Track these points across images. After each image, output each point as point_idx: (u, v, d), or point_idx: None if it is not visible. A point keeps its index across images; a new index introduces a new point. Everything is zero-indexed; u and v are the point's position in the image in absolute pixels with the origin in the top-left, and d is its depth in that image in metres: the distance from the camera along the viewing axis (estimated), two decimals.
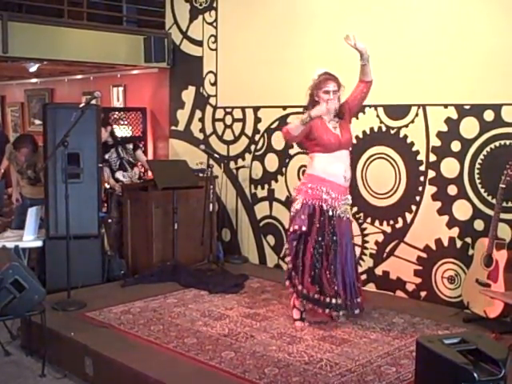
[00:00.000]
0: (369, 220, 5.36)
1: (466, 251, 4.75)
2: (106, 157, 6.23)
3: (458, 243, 4.83)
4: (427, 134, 4.98)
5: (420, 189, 5.05)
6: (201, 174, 6.12)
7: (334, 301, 4.23)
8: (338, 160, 4.27)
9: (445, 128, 4.88)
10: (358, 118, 5.35)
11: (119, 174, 6.25)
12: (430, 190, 4.99)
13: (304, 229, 4.23)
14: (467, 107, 4.74)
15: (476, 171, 4.71)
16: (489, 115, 4.62)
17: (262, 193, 6.34)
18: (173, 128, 7.21)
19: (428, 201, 5.00)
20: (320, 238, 4.24)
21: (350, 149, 4.40)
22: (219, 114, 6.68)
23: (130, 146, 6.45)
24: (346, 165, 4.30)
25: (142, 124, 7.82)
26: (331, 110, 4.21)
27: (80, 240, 5.21)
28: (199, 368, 3.67)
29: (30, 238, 5.60)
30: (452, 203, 4.84)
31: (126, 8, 8.23)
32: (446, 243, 4.90)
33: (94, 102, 5.21)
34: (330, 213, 4.25)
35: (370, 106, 5.28)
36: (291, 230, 4.31)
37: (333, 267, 4.25)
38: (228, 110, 6.59)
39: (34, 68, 8.14)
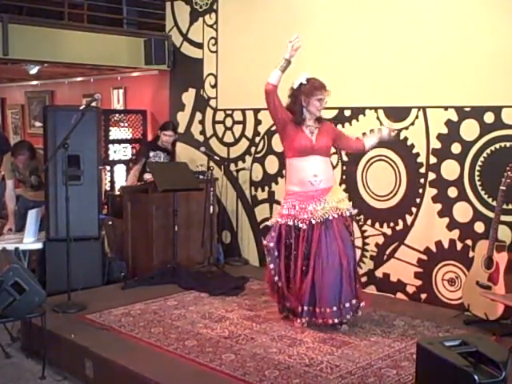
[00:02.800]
0: (369, 222, 5.36)
1: (466, 253, 4.74)
2: (151, 155, 6.29)
3: (459, 245, 4.83)
4: (427, 136, 4.98)
5: (420, 191, 5.04)
6: (201, 176, 6.11)
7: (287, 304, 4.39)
8: (308, 165, 4.26)
9: (445, 130, 4.88)
10: (358, 120, 5.37)
11: (148, 176, 6.22)
12: (431, 192, 4.98)
13: (271, 245, 4.31)
14: (467, 109, 4.73)
15: (476, 173, 4.71)
16: (489, 117, 4.62)
17: (262, 195, 6.34)
18: None
19: (428, 203, 5.00)
20: (290, 255, 4.26)
21: (328, 158, 4.40)
22: (219, 116, 6.68)
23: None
24: (316, 170, 4.25)
25: (142, 126, 7.81)
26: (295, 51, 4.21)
27: (80, 242, 5.21)
28: (199, 370, 3.67)
29: (30, 240, 5.58)
30: (452, 205, 4.84)
31: (126, 10, 8.23)
32: (446, 245, 4.90)
33: (94, 104, 5.22)
34: (297, 224, 4.24)
35: (370, 108, 5.28)
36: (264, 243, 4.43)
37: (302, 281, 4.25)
38: (228, 112, 6.59)
39: (34, 70, 8.14)
